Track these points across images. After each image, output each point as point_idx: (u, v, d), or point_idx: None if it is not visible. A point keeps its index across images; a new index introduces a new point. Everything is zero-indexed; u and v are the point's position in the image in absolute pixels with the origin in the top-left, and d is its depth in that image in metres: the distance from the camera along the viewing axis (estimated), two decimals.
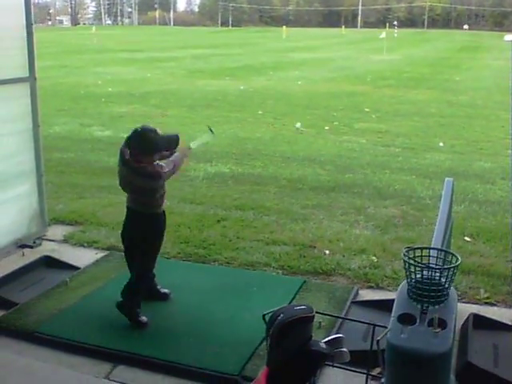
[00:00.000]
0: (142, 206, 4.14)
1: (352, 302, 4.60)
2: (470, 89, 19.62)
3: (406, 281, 3.44)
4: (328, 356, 2.03)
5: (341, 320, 4.29)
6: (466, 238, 5.91)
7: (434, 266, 3.36)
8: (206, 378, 3.61)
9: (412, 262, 3.29)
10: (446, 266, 3.31)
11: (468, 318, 4.20)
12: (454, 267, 3.26)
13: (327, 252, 5.56)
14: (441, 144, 10.71)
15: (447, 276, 3.28)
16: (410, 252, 3.40)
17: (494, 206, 6.92)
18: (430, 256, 3.43)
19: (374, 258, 5.46)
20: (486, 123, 13.29)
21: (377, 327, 4.13)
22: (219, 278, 5.03)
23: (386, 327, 2.01)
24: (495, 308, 4.62)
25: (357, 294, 4.79)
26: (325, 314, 2.40)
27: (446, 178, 4.32)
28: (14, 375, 3.60)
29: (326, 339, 2.13)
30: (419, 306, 3.28)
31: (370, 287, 4.96)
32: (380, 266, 5.29)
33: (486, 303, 4.69)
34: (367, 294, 4.82)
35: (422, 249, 3.45)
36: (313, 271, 5.17)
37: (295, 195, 7.34)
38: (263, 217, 6.48)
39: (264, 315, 2.10)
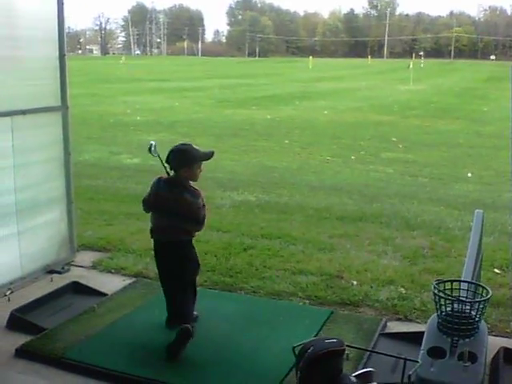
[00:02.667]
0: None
1: (380, 334, 4.54)
2: (498, 119, 19.47)
3: (435, 314, 3.41)
4: None
5: (369, 352, 4.26)
6: (496, 270, 5.82)
7: (464, 298, 3.32)
8: None
9: (442, 294, 3.26)
10: (476, 299, 3.27)
11: (498, 351, 4.11)
12: (484, 300, 3.22)
13: (355, 282, 5.51)
14: (469, 174, 10.64)
15: (478, 309, 3.24)
16: (440, 285, 3.37)
17: None
18: (460, 289, 3.40)
19: (402, 289, 5.40)
20: None
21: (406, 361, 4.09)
22: (245, 306, 5.01)
23: (417, 361, 1.98)
24: None
25: (385, 325, 4.73)
26: (354, 348, 2.35)
27: (476, 210, 4.28)
28: None
29: (357, 373, 2.10)
30: (449, 340, 3.24)
31: (399, 319, 4.89)
32: (408, 297, 5.23)
33: None
34: (396, 326, 4.75)
35: (452, 281, 3.42)
36: (340, 302, 5.12)
37: (322, 224, 7.32)
38: (290, 246, 6.47)
39: (294, 347, 2.07)
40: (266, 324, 4.67)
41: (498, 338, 4.47)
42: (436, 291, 3.28)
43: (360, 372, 2.10)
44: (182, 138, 14.96)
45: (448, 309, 3.29)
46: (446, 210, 8.15)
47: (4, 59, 5.17)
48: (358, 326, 4.62)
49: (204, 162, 4.28)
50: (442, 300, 3.27)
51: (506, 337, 4.55)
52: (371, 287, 5.41)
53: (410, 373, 1.87)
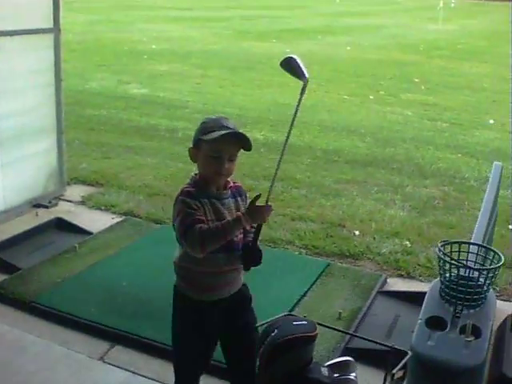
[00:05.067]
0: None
1: (378, 292, 4.20)
2: None
3: (438, 279, 3.04)
4: None
5: (364, 311, 3.93)
6: (511, 227, 5.41)
7: (472, 264, 2.94)
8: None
9: (447, 258, 2.88)
10: (485, 267, 2.88)
11: (506, 319, 3.75)
12: (495, 268, 2.83)
13: (357, 233, 5.15)
14: (491, 121, 10.04)
15: (487, 276, 2.86)
16: (446, 247, 2.98)
17: None
18: (469, 252, 3.01)
19: (407, 242, 5.04)
20: None
21: (403, 321, 3.75)
22: None
23: (406, 352, 1.62)
24: None
25: (385, 282, 4.38)
26: (328, 327, 1.93)
27: (495, 162, 3.84)
28: (2, 349, 3.34)
29: (331, 362, 1.73)
30: (451, 309, 2.88)
31: (400, 275, 4.54)
32: (413, 252, 4.86)
33: None
34: (396, 284, 4.41)
35: (460, 243, 3.03)
36: (339, 253, 4.77)
37: (329, 168, 6.91)
38: (292, 189, 6.08)
39: (257, 327, 1.68)
40: (257, 274, 4.32)
41: (506, 303, 4.13)
42: (441, 254, 2.89)
43: (335, 361, 1.74)
44: (195, 69, 14.43)
45: (453, 274, 2.91)
46: (463, 158, 7.67)
47: None
48: (355, 282, 4.29)
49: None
50: (447, 264, 2.88)
51: None
52: (374, 239, 5.06)
53: (394, 371, 1.50)
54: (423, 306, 2.97)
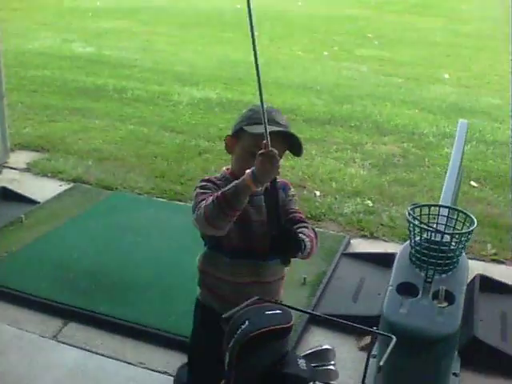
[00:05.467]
0: None
1: (343, 254, 4.08)
2: (478, 18, 18.54)
3: (408, 242, 2.91)
4: (308, 381, 1.46)
5: (329, 275, 3.81)
6: (473, 183, 5.36)
7: (443, 227, 2.81)
8: (168, 342, 3.11)
9: (417, 223, 2.74)
10: (460, 231, 2.75)
11: (474, 279, 3.68)
12: (468, 233, 2.71)
13: (318, 193, 5.01)
14: (446, 76, 9.98)
15: (460, 240, 2.73)
16: (416, 210, 2.84)
17: (503, 148, 6.32)
18: (438, 215, 2.87)
19: (369, 201, 4.93)
20: (493, 56, 12.45)
21: (368, 282, 3.65)
22: None
23: (391, 337, 1.46)
24: (503, 266, 4.12)
25: (348, 243, 4.27)
26: (300, 311, 1.70)
27: (460, 120, 3.70)
28: None
29: (308, 352, 1.56)
30: (423, 274, 2.76)
31: (364, 236, 4.44)
32: (375, 211, 4.76)
33: (493, 260, 4.19)
34: (360, 244, 4.31)
35: (429, 206, 2.89)
36: None
37: None
38: None
39: (225, 317, 1.46)
40: None
41: (473, 261, 4.03)
42: (411, 218, 2.74)
43: (314, 350, 1.56)
44: (142, 26, 13.90)
45: (423, 238, 2.77)
46: (420, 113, 7.57)
47: None
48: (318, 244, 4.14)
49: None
50: (417, 228, 2.74)
51: (483, 260, 4.15)
52: (335, 199, 4.93)
53: (381, 363, 1.35)
54: (393, 271, 2.83)
